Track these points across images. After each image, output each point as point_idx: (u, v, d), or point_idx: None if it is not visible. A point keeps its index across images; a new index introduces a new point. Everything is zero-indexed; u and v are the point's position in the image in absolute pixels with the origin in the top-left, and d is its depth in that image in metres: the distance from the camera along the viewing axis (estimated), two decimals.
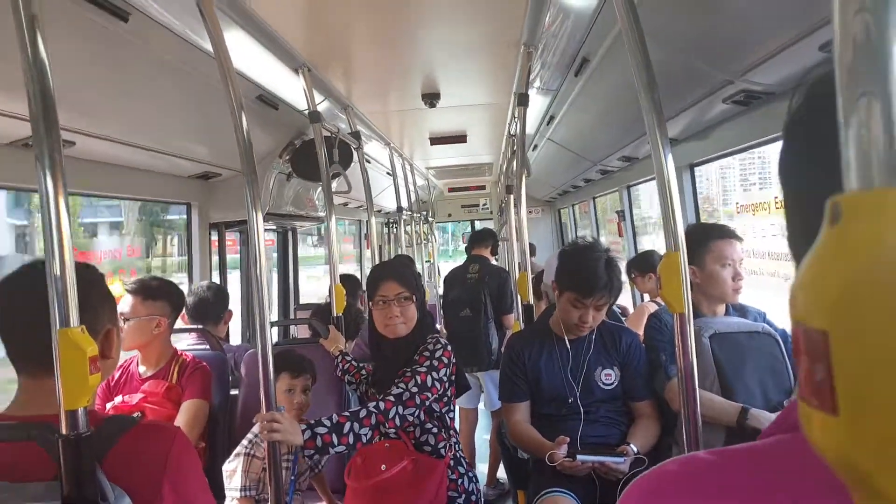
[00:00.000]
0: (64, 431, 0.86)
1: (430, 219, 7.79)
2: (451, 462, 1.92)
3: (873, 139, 0.24)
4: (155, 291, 2.20)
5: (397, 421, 1.75)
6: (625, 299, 4.36)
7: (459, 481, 1.93)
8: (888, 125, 0.23)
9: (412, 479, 1.81)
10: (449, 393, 1.94)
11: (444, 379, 1.87)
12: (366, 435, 1.69)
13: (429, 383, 1.81)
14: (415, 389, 1.78)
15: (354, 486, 1.85)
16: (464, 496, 1.92)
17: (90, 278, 1.07)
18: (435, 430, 1.92)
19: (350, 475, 1.86)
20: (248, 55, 2.16)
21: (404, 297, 1.93)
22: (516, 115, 2.68)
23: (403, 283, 1.96)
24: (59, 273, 0.89)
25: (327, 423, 1.65)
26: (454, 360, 1.94)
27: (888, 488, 0.24)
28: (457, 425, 2.05)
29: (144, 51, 1.88)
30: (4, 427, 0.93)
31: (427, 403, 1.83)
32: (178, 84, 2.21)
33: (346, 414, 1.69)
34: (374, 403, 1.75)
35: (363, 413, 1.70)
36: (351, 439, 1.65)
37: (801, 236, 0.44)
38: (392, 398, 1.75)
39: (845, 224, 0.26)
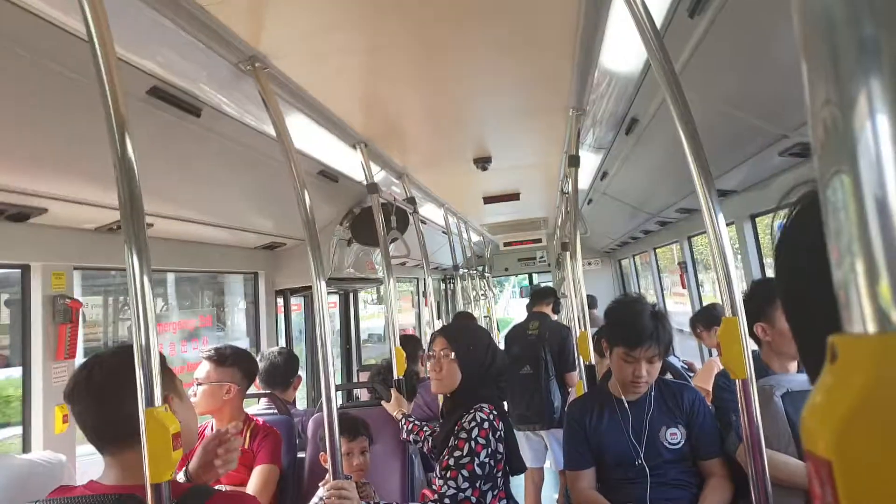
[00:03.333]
0: (150, 503, 0.92)
1: (486, 274, 7.80)
2: None
3: (860, 286, 0.27)
4: (226, 359, 2.31)
5: None
6: (692, 355, 4.21)
7: None
8: (872, 274, 0.26)
9: None
10: (494, 471, 1.86)
11: (487, 461, 1.82)
12: None
13: (477, 471, 1.79)
14: (465, 486, 1.77)
15: None
16: None
17: None
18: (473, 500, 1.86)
19: None
20: (309, 136, 2.32)
21: (444, 353, 1.97)
22: (568, 175, 2.72)
23: (448, 340, 2.00)
24: (144, 356, 0.98)
25: None
26: (500, 435, 1.87)
27: None
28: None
29: (215, 140, 2.06)
30: (96, 499, 1.00)
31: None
32: (245, 166, 2.39)
33: None
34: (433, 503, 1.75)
35: None
36: None
37: (802, 342, 0.47)
38: (448, 500, 1.76)
39: (842, 365, 0.28)
